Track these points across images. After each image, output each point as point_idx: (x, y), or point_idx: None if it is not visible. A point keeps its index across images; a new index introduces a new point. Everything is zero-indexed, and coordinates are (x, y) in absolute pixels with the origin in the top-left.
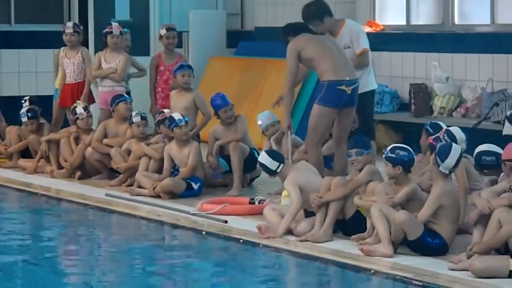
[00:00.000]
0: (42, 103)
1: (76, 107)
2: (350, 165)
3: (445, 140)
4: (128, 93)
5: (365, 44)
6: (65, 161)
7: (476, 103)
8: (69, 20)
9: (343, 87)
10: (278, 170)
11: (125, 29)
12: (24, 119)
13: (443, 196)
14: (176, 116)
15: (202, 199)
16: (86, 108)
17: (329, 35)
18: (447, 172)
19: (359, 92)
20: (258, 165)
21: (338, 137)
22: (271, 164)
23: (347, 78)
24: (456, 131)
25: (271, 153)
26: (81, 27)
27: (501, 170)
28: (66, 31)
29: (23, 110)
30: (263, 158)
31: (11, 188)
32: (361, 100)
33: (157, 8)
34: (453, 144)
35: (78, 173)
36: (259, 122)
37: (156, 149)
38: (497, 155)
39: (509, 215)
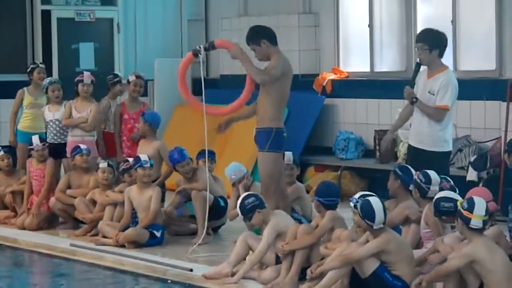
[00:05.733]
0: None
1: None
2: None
3: (420, 180)
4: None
5: (448, 101)
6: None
7: None
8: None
9: (285, 134)
10: (252, 215)
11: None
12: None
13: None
14: (143, 157)
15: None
16: (42, 140)
17: None
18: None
19: (429, 149)
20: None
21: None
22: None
23: (283, 126)
24: (431, 173)
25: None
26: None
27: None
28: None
29: None
30: (247, 198)
31: None
32: (428, 159)
33: (122, 57)
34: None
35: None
36: (233, 177)
37: (120, 191)
38: (456, 202)
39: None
